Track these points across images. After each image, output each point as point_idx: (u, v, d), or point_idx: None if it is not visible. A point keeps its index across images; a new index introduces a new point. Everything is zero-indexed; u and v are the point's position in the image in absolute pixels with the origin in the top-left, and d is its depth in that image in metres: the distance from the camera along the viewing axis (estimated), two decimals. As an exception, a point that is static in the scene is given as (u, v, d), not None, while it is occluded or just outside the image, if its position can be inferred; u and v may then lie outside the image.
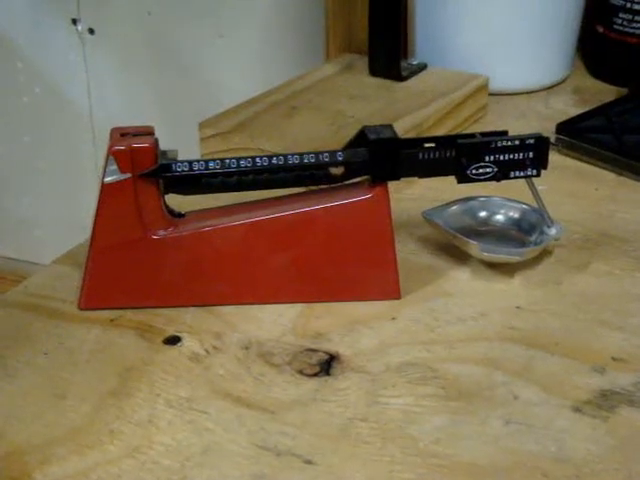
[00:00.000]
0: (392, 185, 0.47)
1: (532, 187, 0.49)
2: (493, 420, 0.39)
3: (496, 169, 0.47)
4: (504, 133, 0.48)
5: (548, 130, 0.66)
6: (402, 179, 0.47)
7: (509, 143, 0.47)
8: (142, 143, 0.44)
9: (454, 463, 0.37)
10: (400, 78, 0.70)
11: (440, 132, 0.64)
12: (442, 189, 0.52)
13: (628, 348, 0.44)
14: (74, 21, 0.67)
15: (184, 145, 0.64)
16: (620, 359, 0.43)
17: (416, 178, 0.49)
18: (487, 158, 0.47)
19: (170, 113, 0.68)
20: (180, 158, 0.45)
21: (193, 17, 0.71)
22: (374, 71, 0.71)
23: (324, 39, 0.78)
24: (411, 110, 0.64)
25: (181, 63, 0.71)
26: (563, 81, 0.80)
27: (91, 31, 0.69)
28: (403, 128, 0.61)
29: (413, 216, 0.53)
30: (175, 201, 0.47)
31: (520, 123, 0.72)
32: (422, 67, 0.72)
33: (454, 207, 0.52)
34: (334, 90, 0.68)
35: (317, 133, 0.60)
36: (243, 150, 0.60)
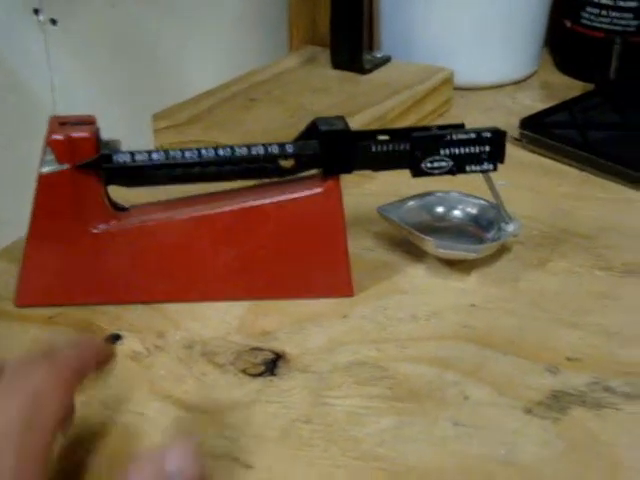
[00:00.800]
0: (351, 179, 0.46)
1: (489, 182, 0.48)
2: (442, 422, 0.38)
3: (451, 163, 0.46)
4: (461, 126, 0.47)
5: (514, 125, 0.65)
6: (359, 173, 0.46)
7: (465, 136, 0.45)
8: (81, 132, 0.42)
9: (397, 466, 0.35)
10: (363, 71, 0.68)
11: (403, 126, 0.63)
12: (403, 184, 0.50)
13: (583, 348, 0.42)
14: (36, 11, 0.64)
15: (149, 138, 0.62)
16: (575, 359, 0.42)
17: (376, 172, 0.47)
18: (442, 151, 0.45)
19: (135, 105, 0.66)
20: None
21: (157, 9, 0.70)
22: (337, 64, 0.69)
23: (287, 31, 0.76)
24: (373, 103, 0.63)
25: (145, 55, 0.69)
26: (531, 76, 0.79)
27: (53, 22, 0.66)
28: (364, 121, 0.60)
29: (371, 211, 0.51)
30: (121, 194, 0.45)
31: (485, 118, 0.71)
32: (386, 60, 0.71)
33: (411, 202, 0.51)
34: (295, 83, 0.67)
35: (275, 126, 0.59)
36: (197, 143, 0.58)
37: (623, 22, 0.71)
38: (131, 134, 0.63)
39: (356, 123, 0.58)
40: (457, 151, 0.45)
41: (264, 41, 0.78)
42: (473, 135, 0.45)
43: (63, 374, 0.33)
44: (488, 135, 0.45)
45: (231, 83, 0.66)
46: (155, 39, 0.69)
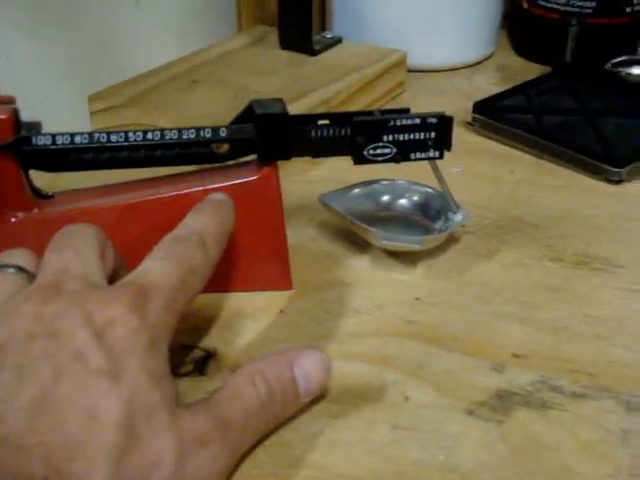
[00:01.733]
0: (295, 165, 0.43)
1: (435, 170, 0.45)
2: (379, 425, 0.36)
3: (395, 150, 0.43)
4: (406, 111, 0.44)
5: (469, 109, 0.63)
6: (302, 159, 0.44)
7: (409, 122, 0.43)
8: (-3, 114, 0.39)
9: (329, 474, 0.33)
10: (312, 52, 0.66)
11: (352, 109, 0.61)
12: (351, 171, 0.48)
13: (530, 344, 0.40)
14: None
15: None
16: (521, 356, 0.40)
17: (322, 159, 0.45)
18: (385, 138, 0.43)
19: (83, 84, 0.63)
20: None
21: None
22: (285, 44, 0.67)
23: (236, 10, 0.73)
24: (321, 85, 0.60)
25: (95, 32, 0.66)
26: (487, 58, 0.77)
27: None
28: (310, 105, 0.57)
29: (314, 199, 0.49)
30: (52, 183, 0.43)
31: (440, 101, 0.69)
32: (337, 41, 0.68)
33: (355, 190, 0.49)
34: (240, 64, 0.64)
35: (216, 109, 0.56)
36: (136, 126, 0.55)
37: (580, 3, 0.68)
38: (75, 117, 0.60)
39: (302, 107, 0.56)
40: (401, 137, 0.43)
41: (213, 20, 0.75)
42: (418, 121, 0.43)
43: None
44: (434, 121, 0.43)
45: (173, 64, 0.63)
46: (101, 16, 0.66)
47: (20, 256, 0.34)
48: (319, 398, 0.37)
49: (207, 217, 0.37)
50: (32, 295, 0.31)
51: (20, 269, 0.33)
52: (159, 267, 0.33)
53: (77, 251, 0.33)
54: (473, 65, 0.76)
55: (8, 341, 0.29)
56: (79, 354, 0.29)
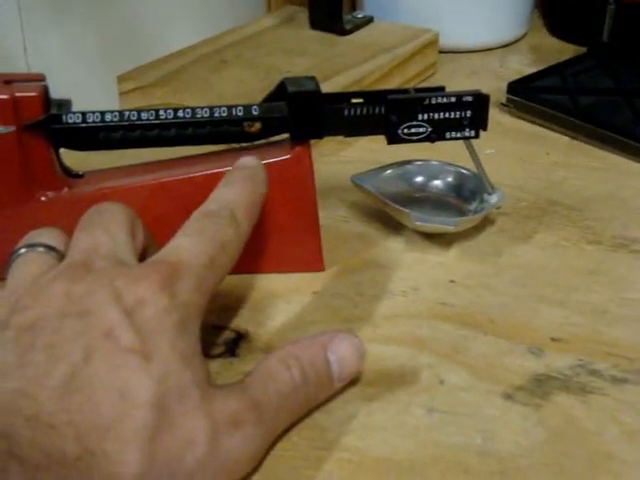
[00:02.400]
0: (326, 146, 0.42)
1: (471, 150, 0.44)
2: (414, 408, 0.35)
3: (430, 129, 0.42)
4: (441, 89, 0.43)
5: (502, 90, 0.62)
6: (334, 139, 0.43)
7: (445, 100, 0.42)
8: (28, 92, 0.38)
9: (365, 458, 0.32)
10: (343, 32, 0.65)
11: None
12: (383, 151, 0.47)
13: (568, 327, 0.40)
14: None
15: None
16: (559, 339, 0.39)
17: (354, 138, 0.44)
18: (420, 116, 0.42)
19: (111, 66, 0.62)
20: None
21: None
22: (315, 24, 0.66)
23: (265, -11, 0.72)
24: (352, 65, 0.59)
25: (120, 15, 0.66)
26: (520, 39, 0.76)
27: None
28: (342, 85, 0.56)
29: (346, 180, 0.48)
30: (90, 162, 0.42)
31: (472, 82, 0.67)
32: (368, 21, 0.67)
33: (388, 171, 0.48)
34: (270, 44, 0.63)
35: (246, 89, 0.55)
36: (166, 106, 0.54)
37: (618, -19, 0.67)
38: (105, 101, 0.60)
39: (332, 87, 0.55)
40: (436, 116, 0.42)
41: (242, 1, 0.74)
42: (453, 99, 0.42)
43: None
44: (469, 99, 0.42)
45: (202, 44, 0.62)
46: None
47: (49, 235, 0.34)
48: (354, 381, 0.36)
49: (238, 188, 0.36)
50: (62, 274, 0.30)
51: (50, 248, 0.33)
52: (189, 244, 0.32)
53: (106, 230, 0.33)
54: (506, 46, 0.74)
55: (39, 320, 0.29)
56: (109, 333, 0.28)
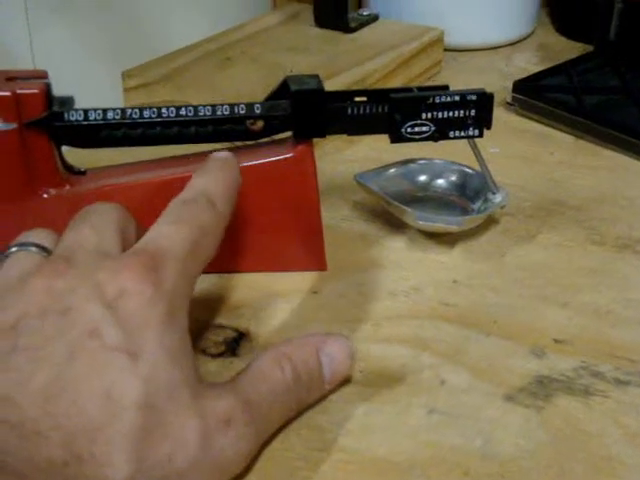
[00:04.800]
0: (330, 144, 0.42)
1: (475, 149, 0.44)
2: (414, 409, 0.35)
3: (434, 128, 0.42)
4: (445, 88, 0.43)
5: (508, 89, 0.62)
6: (338, 137, 0.43)
7: (448, 99, 0.42)
8: (29, 89, 0.38)
9: (363, 459, 0.32)
10: (348, 29, 0.64)
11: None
12: (387, 150, 0.46)
13: (572, 328, 0.39)
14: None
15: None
16: (562, 341, 0.39)
17: (358, 137, 0.44)
18: (424, 115, 0.42)
19: (118, 63, 0.62)
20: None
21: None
22: (320, 21, 0.65)
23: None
24: (356, 64, 0.59)
25: (126, 11, 0.66)
26: (527, 37, 0.75)
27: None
28: (345, 83, 0.56)
29: (350, 179, 0.48)
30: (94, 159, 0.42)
31: (478, 80, 0.66)
32: (374, 18, 0.67)
33: (391, 170, 0.48)
34: (274, 41, 0.63)
35: (250, 87, 0.55)
36: (170, 103, 0.54)
37: (626, -21, 0.66)
38: (110, 97, 0.60)
39: (336, 85, 0.55)
40: (440, 115, 0.42)
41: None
42: (457, 98, 0.42)
43: None
44: (473, 98, 0.42)
45: (207, 40, 0.62)
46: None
47: (40, 235, 0.33)
48: (354, 381, 0.36)
49: (212, 175, 0.36)
50: (43, 269, 0.30)
51: (40, 247, 0.32)
52: (169, 231, 0.31)
53: (94, 226, 0.32)
54: (512, 44, 0.74)
55: (20, 319, 0.28)
56: (93, 330, 0.27)
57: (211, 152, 0.43)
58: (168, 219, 0.32)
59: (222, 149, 0.43)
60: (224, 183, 0.35)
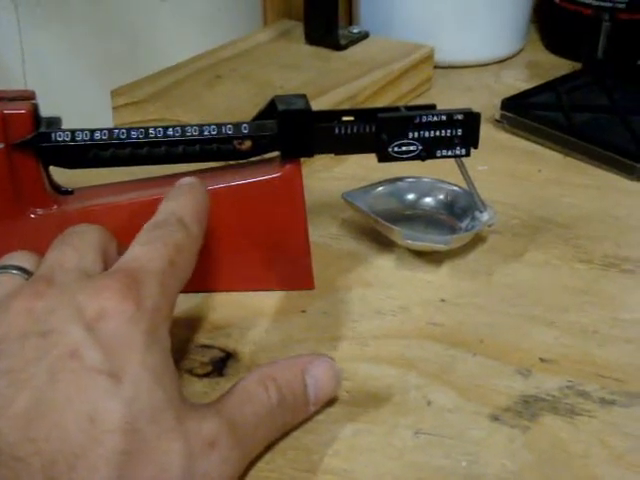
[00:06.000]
0: (319, 162, 0.42)
1: (462, 168, 0.44)
2: (401, 430, 0.35)
3: (421, 147, 0.42)
4: (432, 107, 0.43)
5: (496, 106, 0.62)
6: (328, 155, 0.43)
7: (435, 118, 0.42)
8: (17, 109, 0.38)
9: (349, 480, 0.32)
10: (338, 47, 0.65)
11: (378, 106, 0.60)
12: (376, 168, 0.46)
13: (558, 348, 0.39)
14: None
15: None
16: (549, 360, 0.39)
17: (347, 156, 0.44)
18: (410, 135, 0.42)
19: (110, 80, 0.62)
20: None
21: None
22: (310, 39, 0.66)
23: (261, 4, 0.72)
24: (347, 81, 0.59)
25: (122, 28, 0.66)
26: (516, 54, 0.76)
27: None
28: (335, 101, 0.56)
29: (338, 197, 0.48)
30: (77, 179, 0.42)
31: (467, 97, 0.67)
32: (364, 36, 0.67)
33: (380, 188, 0.48)
34: (265, 58, 0.63)
35: (240, 104, 0.55)
36: (159, 122, 0.54)
37: (613, -2, 0.67)
38: (100, 113, 0.60)
39: (327, 102, 0.55)
40: (427, 134, 0.42)
41: (238, 15, 0.74)
42: (444, 117, 0.42)
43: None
44: (460, 117, 0.42)
45: (197, 58, 0.62)
46: (127, 11, 0.66)
47: (22, 258, 0.34)
48: (341, 401, 0.36)
49: (181, 198, 0.36)
50: (24, 291, 0.30)
51: (22, 270, 0.33)
52: (146, 252, 0.32)
53: (75, 247, 0.33)
54: (502, 61, 0.74)
55: (0, 343, 0.28)
56: (73, 352, 0.27)
57: (201, 171, 0.43)
58: (142, 240, 0.33)
59: (210, 168, 0.44)
60: (192, 206, 0.36)
